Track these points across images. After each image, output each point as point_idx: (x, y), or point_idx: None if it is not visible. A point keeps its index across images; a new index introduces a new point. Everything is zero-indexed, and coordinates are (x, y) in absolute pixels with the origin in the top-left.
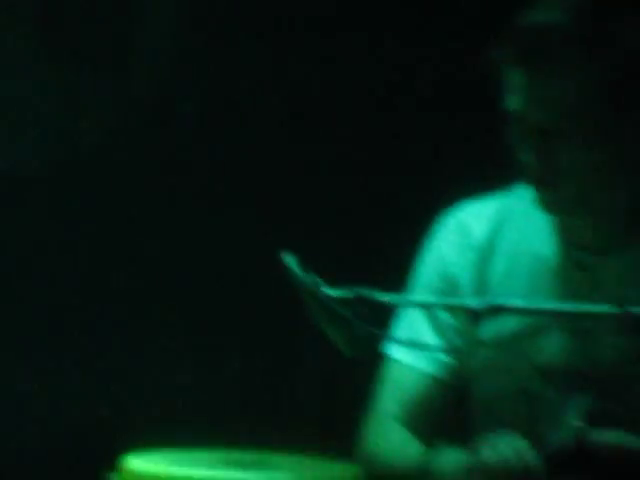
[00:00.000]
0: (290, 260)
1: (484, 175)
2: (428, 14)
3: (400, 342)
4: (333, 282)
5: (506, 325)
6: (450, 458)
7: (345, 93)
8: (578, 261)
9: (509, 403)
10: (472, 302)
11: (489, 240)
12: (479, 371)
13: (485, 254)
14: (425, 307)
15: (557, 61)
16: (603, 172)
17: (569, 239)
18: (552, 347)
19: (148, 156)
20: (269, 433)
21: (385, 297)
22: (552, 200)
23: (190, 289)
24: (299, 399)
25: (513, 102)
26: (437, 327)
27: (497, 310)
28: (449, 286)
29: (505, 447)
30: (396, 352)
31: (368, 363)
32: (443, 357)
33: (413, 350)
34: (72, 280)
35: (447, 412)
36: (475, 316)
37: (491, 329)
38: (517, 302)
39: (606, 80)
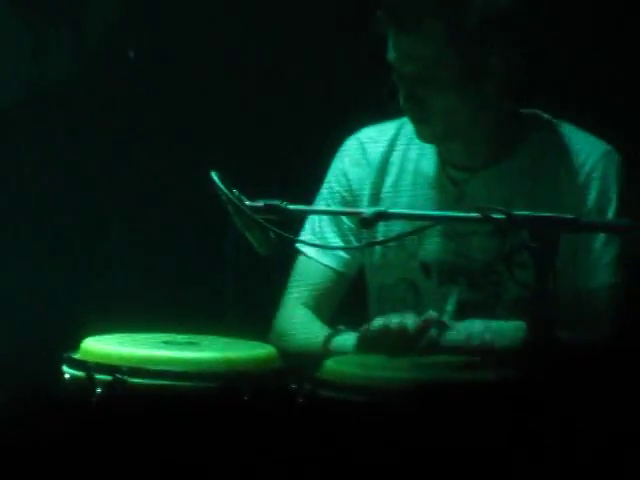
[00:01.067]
0: (217, 178)
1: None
2: None
3: (306, 243)
4: (254, 196)
5: (394, 229)
6: (347, 336)
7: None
8: (451, 178)
9: (397, 292)
10: (364, 210)
11: (383, 159)
12: (372, 266)
13: (379, 170)
14: (325, 214)
15: (416, 22)
16: (466, 110)
17: (445, 159)
18: (431, 246)
19: (100, 96)
20: (201, 321)
21: (290, 206)
22: (426, 133)
23: (138, 202)
24: (226, 292)
25: (389, 55)
26: (338, 229)
27: (381, 216)
28: (350, 196)
29: (392, 317)
30: (305, 248)
31: (278, 260)
32: (342, 253)
33: (319, 249)
34: (43, 199)
35: (343, 297)
36: (365, 221)
37: (382, 232)
38: (396, 210)
39: (459, 35)
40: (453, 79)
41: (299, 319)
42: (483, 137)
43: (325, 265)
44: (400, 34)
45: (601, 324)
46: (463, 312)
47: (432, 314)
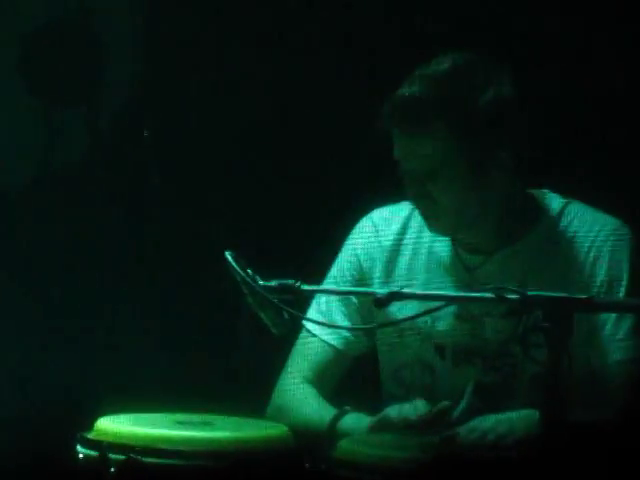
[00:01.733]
0: (231, 257)
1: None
2: None
3: (315, 321)
4: (267, 276)
5: (406, 311)
6: (355, 417)
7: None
8: (465, 263)
9: (412, 373)
10: (378, 290)
11: (396, 242)
12: (387, 346)
13: (391, 252)
14: (338, 294)
15: (420, 124)
16: (475, 203)
17: (458, 244)
18: (445, 328)
19: (114, 175)
20: (214, 400)
21: (304, 286)
22: (435, 227)
23: (152, 281)
24: (237, 372)
25: (395, 152)
26: (346, 309)
27: (395, 296)
28: (360, 276)
29: (406, 407)
30: (309, 325)
31: (289, 340)
32: (345, 333)
33: (323, 327)
34: (41, 261)
35: (343, 376)
36: (379, 301)
37: (393, 313)
38: (411, 290)
39: (464, 134)
40: (460, 175)
41: (300, 394)
42: (494, 224)
43: (326, 342)
44: (404, 134)
45: (616, 400)
46: (480, 394)
47: (445, 404)
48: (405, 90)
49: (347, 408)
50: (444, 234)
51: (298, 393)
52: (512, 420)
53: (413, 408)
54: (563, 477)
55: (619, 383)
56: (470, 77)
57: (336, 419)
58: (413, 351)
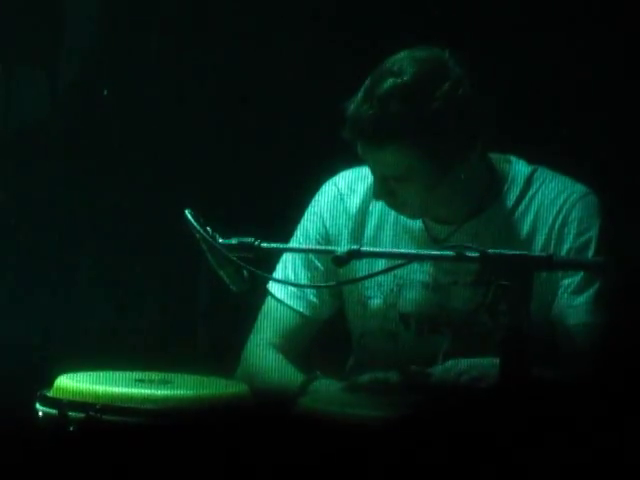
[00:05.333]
0: (191, 216)
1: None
2: None
3: (278, 281)
4: (228, 234)
5: (375, 279)
6: (325, 383)
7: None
8: (433, 233)
9: (376, 341)
10: (337, 248)
11: (362, 208)
12: (354, 315)
13: (357, 222)
14: (299, 252)
15: (381, 140)
16: (440, 192)
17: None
18: (411, 298)
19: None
20: (174, 358)
21: (264, 244)
22: (403, 213)
23: (112, 240)
24: (196, 330)
25: (360, 153)
26: (310, 274)
27: (354, 255)
28: (326, 242)
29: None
30: (275, 290)
31: (251, 298)
32: (311, 297)
33: (287, 289)
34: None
35: (311, 341)
36: (338, 259)
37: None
38: (370, 249)
39: (428, 145)
40: (427, 176)
41: (269, 360)
42: (462, 200)
43: (293, 309)
44: (367, 148)
45: (576, 362)
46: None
47: (414, 368)
48: (366, 108)
49: (317, 373)
50: (411, 217)
51: (266, 360)
52: (485, 365)
53: (385, 375)
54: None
55: (579, 346)
56: (430, 90)
57: (307, 383)
58: (378, 319)
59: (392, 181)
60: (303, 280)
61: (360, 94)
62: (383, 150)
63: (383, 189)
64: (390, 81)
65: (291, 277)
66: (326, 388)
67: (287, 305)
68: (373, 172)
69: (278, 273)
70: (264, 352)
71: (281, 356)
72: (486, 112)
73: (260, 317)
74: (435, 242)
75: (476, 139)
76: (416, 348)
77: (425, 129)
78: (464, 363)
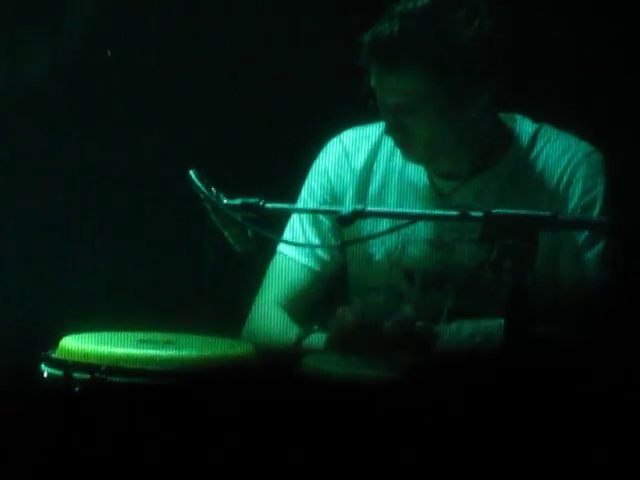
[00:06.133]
0: (195, 176)
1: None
2: None
3: (282, 241)
4: (233, 195)
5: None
6: (321, 337)
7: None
8: (438, 189)
9: (379, 297)
10: (342, 209)
11: (367, 165)
12: (357, 271)
13: (362, 178)
14: (302, 212)
15: (398, 62)
16: (450, 134)
17: (432, 169)
18: (415, 254)
19: (75, 95)
20: (178, 319)
21: (268, 205)
22: (411, 156)
23: (116, 201)
24: (201, 290)
25: (373, 84)
26: (317, 231)
27: (359, 215)
28: (332, 200)
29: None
30: (284, 248)
31: (256, 258)
32: (320, 253)
33: (296, 247)
34: (14, 200)
35: (319, 297)
36: (343, 219)
37: (365, 233)
38: (374, 209)
39: (444, 70)
40: (438, 110)
41: (274, 319)
42: (468, 152)
43: (302, 264)
44: (383, 70)
45: (584, 319)
46: (453, 319)
47: (420, 325)
48: (385, 28)
49: (315, 327)
50: (418, 162)
51: (271, 319)
52: (489, 328)
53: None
54: (525, 391)
55: (586, 302)
56: (449, 14)
57: (301, 338)
58: (382, 276)
59: (404, 113)
60: (311, 236)
61: (385, 15)
62: (399, 72)
63: (394, 123)
64: (410, 3)
65: (299, 235)
66: (321, 342)
67: (298, 262)
68: (385, 104)
69: (287, 232)
70: (270, 311)
71: (286, 315)
72: (500, 48)
73: (268, 275)
74: (440, 197)
75: (490, 75)
76: (420, 304)
77: (442, 51)
78: (468, 326)
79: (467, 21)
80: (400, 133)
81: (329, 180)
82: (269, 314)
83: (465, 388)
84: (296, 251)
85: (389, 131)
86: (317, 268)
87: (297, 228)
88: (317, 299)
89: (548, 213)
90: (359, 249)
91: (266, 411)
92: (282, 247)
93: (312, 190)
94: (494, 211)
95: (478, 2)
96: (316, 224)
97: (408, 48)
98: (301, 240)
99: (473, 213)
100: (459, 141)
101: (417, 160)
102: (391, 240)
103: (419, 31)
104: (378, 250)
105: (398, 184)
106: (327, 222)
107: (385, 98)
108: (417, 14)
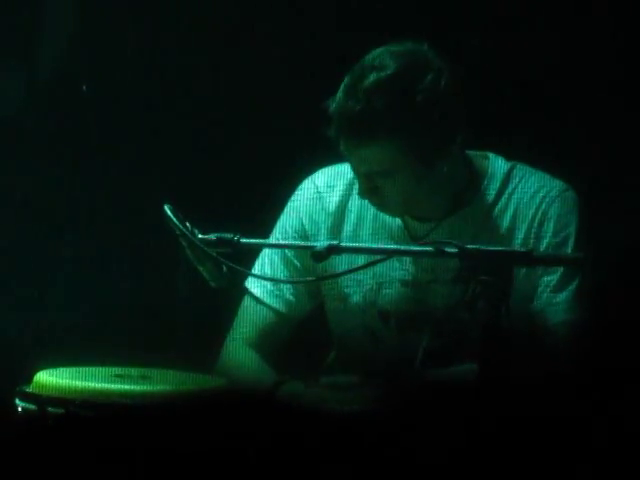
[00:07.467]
0: (170, 211)
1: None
2: None
3: (257, 276)
4: (208, 230)
5: (355, 277)
6: (294, 385)
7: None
8: (413, 231)
9: (355, 339)
10: (316, 244)
11: (341, 204)
12: (333, 312)
13: (336, 219)
14: (277, 248)
15: (364, 136)
16: (423, 190)
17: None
18: (390, 295)
19: (49, 128)
20: (152, 354)
21: (243, 240)
22: (385, 211)
23: (89, 234)
24: (175, 325)
25: (343, 150)
26: (287, 271)
27: (333, 250)
28: (304, 240)
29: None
30: (252, 287)
31: (228, 293)
32: (287, 295)
33: (265, 287)
34: None
35: (288, 338)
36: (317, 255)
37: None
38: (349, 244)
39: (407, 139)
40: (410, 171)
41: (243, 359)
42: (442, 197)
43: (268, 305)
44: (351, 144)
45: (559, 360)
46: (429, 361)
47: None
48: (351, 104)
49: (286, 378)
50: (393, 215)
51: (241, 357)
52: (463, 376)
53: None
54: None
55: (561, 344)
56: (415, 83)
57: (276, 387)
58: (357, 317)
59: (377, 177)
60: (281, 276)
61: (342, 91)
62: (369, 145)
63: (368, 186)
64: (373, 75)
65: (268, 274)
66: (295, 391)
67: (264, 303)
68: (357, 170)
69: (255, 270)
70: (240, 349)
71: (256, 354)
72: (465, 104)
73: (238, 314)
74: (414, 240)
75: (458, 131)
76: (396, 345)
77: (411, 121)
78: (444, 374)
79: (433, 85)
80: (374, 194)
81: (301, 219)
82: (239, 353)
83: (437, 430)
84: (263, 291)
85: (363, 193)
86: (283, 310)
87: (266, 266)
88: (286, 339)
89: (523, 249)
90: (335, 289)
91: (242, 443)
92: (251, 285)
93: (284, 228)
94: (469, 247)
95: (442, 61)
96: (286, 264)
97: (376, 123)
98: (271, 281)
99: (448, 249)
100: (432, 193)
101: (391, 213)
102: (366, 281)
103: (386, 106)
104: (354, 291)
105: (372, 224)
106: (298, 264)
107: (356, 166)
108: (382, 88)
